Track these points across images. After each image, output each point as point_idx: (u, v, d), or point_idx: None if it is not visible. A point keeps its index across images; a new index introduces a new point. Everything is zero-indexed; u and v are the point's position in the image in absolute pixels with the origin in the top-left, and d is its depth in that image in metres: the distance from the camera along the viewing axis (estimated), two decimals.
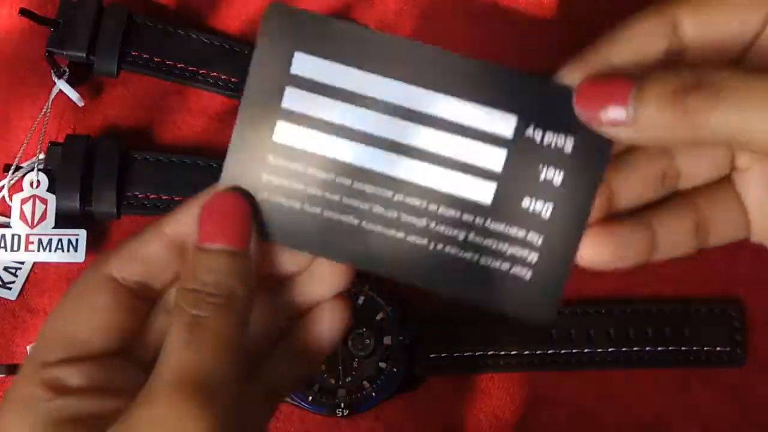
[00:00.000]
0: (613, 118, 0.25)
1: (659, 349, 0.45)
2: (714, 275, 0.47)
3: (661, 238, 0.29)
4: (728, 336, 0.45)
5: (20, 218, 0.45)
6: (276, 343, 0.30)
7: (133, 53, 0.47)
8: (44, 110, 0.46)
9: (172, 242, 0.28)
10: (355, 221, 0.28)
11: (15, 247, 0.44)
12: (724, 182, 0.30)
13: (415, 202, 0.28)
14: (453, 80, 0.27)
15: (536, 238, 0.28)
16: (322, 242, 0.28)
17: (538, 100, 0.27)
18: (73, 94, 0.46)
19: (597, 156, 0.27)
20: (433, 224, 0.28)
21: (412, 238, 0.28)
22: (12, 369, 0.43)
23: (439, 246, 0.28)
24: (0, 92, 0.48)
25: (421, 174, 0.28)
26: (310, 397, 0.43)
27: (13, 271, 0.45)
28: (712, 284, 0.47)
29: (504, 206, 0.28)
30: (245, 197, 0.28)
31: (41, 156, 0.45)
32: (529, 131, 0.27)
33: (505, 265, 0.28)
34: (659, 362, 0.45)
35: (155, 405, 0.25)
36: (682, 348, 0.45)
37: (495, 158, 0.28)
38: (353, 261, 0.29)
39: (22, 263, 0.45)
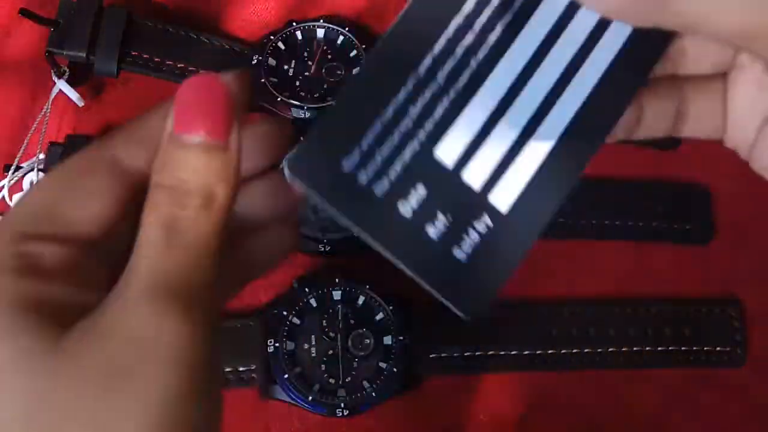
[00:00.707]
0: None
1: (659, 349, 0.45)
2: (714, 275, 0.47)
3: (645, 115, 0.29)
4: (728, 336, 0.45)
5: None
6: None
7: (133, 53, 0.47)
8: (44, 110, 0.46)
9: None
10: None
11: None
12: (718, 78, 0.30)
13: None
14: None
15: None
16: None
17: None
18: (73, 94, 0.46)
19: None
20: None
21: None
22: None
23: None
24: (0, 92, 0.48)
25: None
26: (310, 397, 0.43)
27: None
28: (712, 284, 0.47)
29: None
30: (225, 82, 0.24)
31: (41, 156, 0.45)
32: None
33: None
34: (659, 362, 0.45)
35: (131, 306, 0.23)
36: (682, 348, 0.45)
37: None
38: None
39: None
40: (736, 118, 0.30)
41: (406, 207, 0.26)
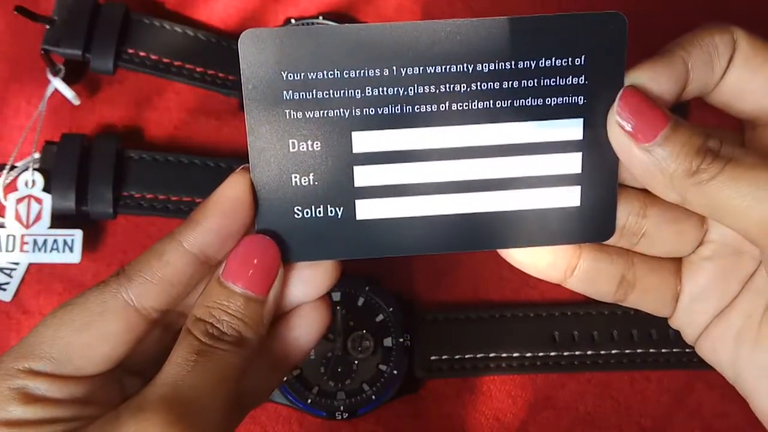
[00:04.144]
0: (634, 134, 0.27)
1: (663, 350, 0.44)
2: None
3: (588, 275, 0.30)
4: None
5: (15, 218, 0.44)
6: None
7: (130, 51, 0.46)
8: (39, 109, 0.46)
9: (195, 257, 0.27)
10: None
11: (10, 248, 0.44)
12: (672, 260, 0.31)
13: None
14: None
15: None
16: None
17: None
18: (68, 92, 0.46)
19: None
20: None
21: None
22: None
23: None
24: None
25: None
26: (309, 400, 0.42)
27: (8, 272, 0.44)
28: None
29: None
30: (278, 243, 0.28)
31: (36, 155, 0.45)
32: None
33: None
34: (662, 364, 0.45)
35: (142, 414, 0.25)
36: (686, 350, 0.44)
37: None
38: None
39: (17, 264, 0.45)
40: (688, 304, 0.31)
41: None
